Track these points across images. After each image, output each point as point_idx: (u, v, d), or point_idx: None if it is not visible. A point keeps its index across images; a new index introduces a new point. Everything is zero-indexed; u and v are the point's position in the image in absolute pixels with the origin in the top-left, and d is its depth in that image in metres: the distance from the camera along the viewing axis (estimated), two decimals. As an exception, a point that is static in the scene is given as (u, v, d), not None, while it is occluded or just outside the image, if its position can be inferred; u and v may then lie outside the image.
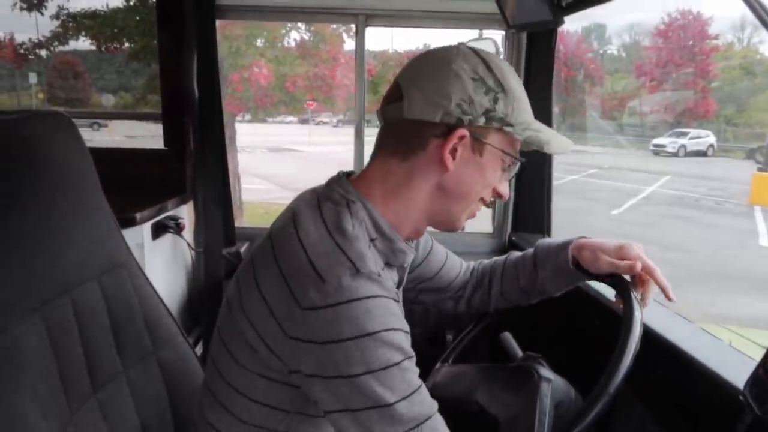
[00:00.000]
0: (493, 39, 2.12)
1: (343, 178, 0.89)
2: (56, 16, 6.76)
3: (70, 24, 6.83)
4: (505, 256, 1.23)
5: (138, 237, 1.69)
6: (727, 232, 10.00)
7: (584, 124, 22.06)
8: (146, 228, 1.75)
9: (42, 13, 6.66)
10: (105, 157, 1.14)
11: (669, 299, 0.97)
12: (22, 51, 7.56)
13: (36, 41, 7.40)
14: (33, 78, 22.14)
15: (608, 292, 1.29)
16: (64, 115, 1.07)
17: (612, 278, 0.99)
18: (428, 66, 0.87)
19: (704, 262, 8.25)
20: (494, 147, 0.87)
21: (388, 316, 0.75)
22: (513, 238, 2.02)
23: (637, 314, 0.89)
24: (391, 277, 0.91)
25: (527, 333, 1.32)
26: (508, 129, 0.86)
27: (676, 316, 1.18)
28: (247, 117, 10.57)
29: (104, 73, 26.12)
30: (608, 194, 12.67)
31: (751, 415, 0.76)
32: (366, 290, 0.74)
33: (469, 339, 1.26)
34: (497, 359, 1.26)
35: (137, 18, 6.64)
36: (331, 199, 0.86)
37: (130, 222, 1.60)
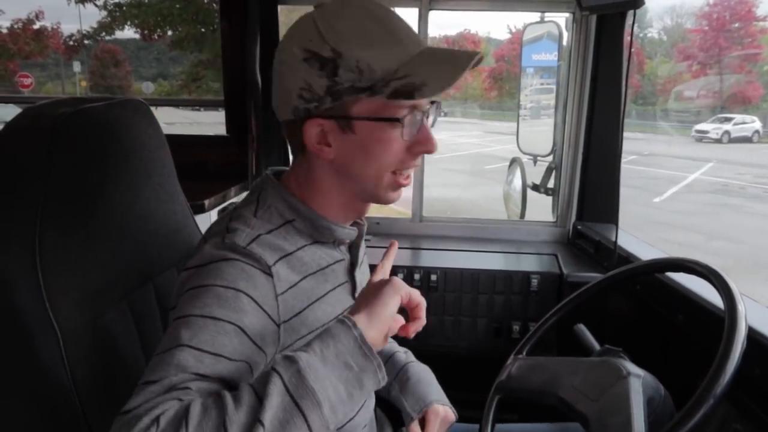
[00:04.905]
0: (555, 22, 2.05)
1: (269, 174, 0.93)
2: (104, 7, 6.91)
3: (116, 14, 6.97)
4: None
5: (206, 224, 1.70)
6: (775, 221, 9.68)
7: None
8: (213, 215, 1.77)
9: (96, 5, 6.82)
10: (168, 143, 1.14)
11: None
12: (71, 43, 7.76)
13: (84, 32, 7.59)
14: (77, 66, 22.64)
15: (695, 286, 1.24)
16: (142, 102, 1.07)
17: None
18: (276, 64, 0.84)
19: (752, 252, 7.99)
20: (362, 119, 0.79)
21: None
22: (578, 228, 1.96)
23: (741, 308, 0.85)
24: (327, 255, 0.90)
25: (600, 325, 1.28)
26: (363, 95, 0.77)
27: None
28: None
29: (143, 61, 26.59)
30: (649, 181, 12.35)
31: None
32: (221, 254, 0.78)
33: (543, 330, 1.22)
34: (566, 351, 1.22)
35: (177, 6, 6.73)
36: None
37: (199, 209, 1.61)
